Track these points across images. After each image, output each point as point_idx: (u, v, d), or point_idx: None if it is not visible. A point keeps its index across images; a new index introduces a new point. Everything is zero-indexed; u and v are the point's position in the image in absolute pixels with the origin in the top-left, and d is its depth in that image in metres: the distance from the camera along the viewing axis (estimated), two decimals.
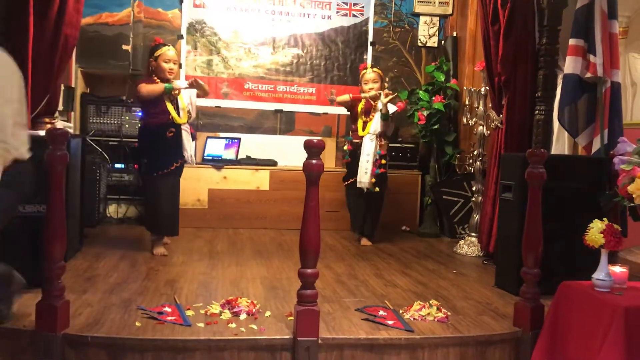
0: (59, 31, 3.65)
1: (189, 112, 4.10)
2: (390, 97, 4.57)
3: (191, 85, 4.01)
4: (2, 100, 1.84)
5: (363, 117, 4.66)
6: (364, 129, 4.63)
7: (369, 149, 4.56)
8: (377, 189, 4.57)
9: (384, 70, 5.97)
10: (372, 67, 4.82)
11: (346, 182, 4.81)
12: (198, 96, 4.17)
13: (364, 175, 4.54)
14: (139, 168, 4.06)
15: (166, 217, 4.02)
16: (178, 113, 4.00)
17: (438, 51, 6.06)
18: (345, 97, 4.76)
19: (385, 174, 4.72)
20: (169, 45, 4.06)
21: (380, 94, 4.58)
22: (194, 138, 4.30)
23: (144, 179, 4.12)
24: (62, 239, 2.39)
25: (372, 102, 4.64)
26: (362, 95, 4.68)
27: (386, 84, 4.87)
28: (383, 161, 4.63)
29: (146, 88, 3.88)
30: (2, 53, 1.70)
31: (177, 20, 5.66)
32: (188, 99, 4.12)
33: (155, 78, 3.98)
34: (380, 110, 4.57)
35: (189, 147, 4.14)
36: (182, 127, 4.06)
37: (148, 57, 4.07)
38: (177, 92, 4.00)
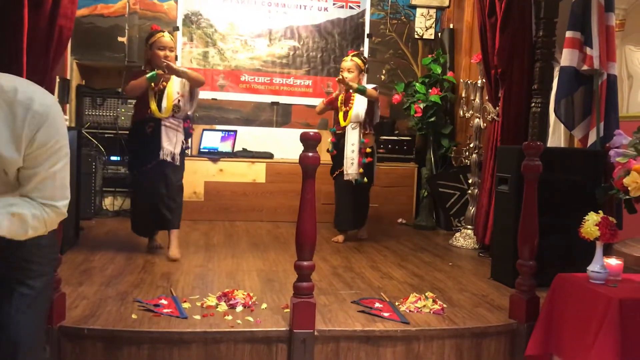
0: (53, 23, 3.62)
1: (176, 105, 3.71)
2: (347, 80, 4.34)
3: (166, 70, 3.64)
4: (66, 157, 1.78)
5: (343, 107, 4.50)
6: (345, 119, 4.48)
7: (352, 139, 4.41)
8: (365, 179, 4.44)
9: (380, 63, 6.02)
10: (358, 55, 4.56)
11: (333, 175, 4.63)
12: (192, 87, 3.80)
13: (351, 167, 4.40)
14: (128, 165, 4.02)
15: (138, 216, 3.88)
16: (160, 106, 3.68)
17: (435, 43, 6.05)
18: (320, 105, 4.65)
19: (372, 165, 4.54)
20: (164, 31, 3.80)
21: (343, 79, 4.36)
22: (188, 134, 3.87)
23: (129, 175, 4.07)
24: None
25: (350, 92, 4.45)
26: (334, 94, 4.57)
27: (363, 74, 4.55)
28: (368, 150, 4.46)
29: (130, 85, 3.69)
30: (55, 102, 1.63)
31: (172, 12, 5.64)
32: (179, 89, 3.74)
33: (148, 71, 3.72)
34: (354, 91, 4.38)
35: (171, 144, 3.70)
36: (164, 122, 3.67)
37: (144, 45, 3.88)
38: (164, 79, 3.69)
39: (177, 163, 3.74)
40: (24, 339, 1.65)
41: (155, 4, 5.61)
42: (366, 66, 4.57)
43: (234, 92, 5.77)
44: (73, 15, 3.84)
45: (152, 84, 3.68)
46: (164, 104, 3.69)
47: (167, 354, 2.40)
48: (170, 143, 3.70)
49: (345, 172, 4.42)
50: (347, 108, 4.45)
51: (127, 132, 4.01)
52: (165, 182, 3.73)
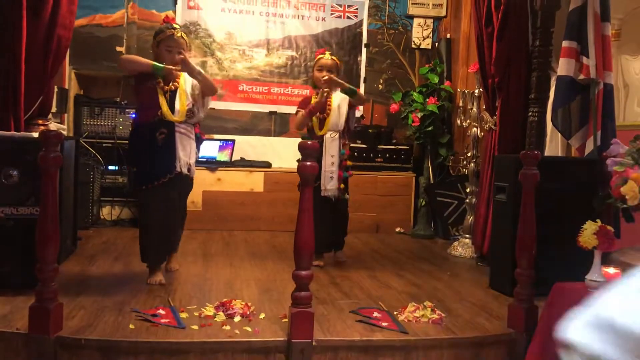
0: (52, 32, 3.64)
1: (190, 110, 3.26)
2: (326, 80, 3.79)
3: (180, 66, 3.20)
4: None
5: (318, 113, 3.88)
6: (321, 127, 3.87)
7: (332, 150, 3.83)
8: (347, 195, 3.99)
9: (378, 72, 6.04)
10: (330, 53, 4.02)
11: None
12: (204, 94, 3.34)
13: (330, 181, 3.81)
14: (129, 179, 3.39)
15: (153, 243, 3.26)
16: (173, 109, 3.19)
17: (432, 53, 6.08)
18: (299, 119, 3.91)
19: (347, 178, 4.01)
20: (175, 29, 3.27)
21: (324, 92, 3.81)
22: (200, 141, 3.46)
23: (134, 191, 3.33)
24: (55, 241, 2.38)
25: (328, 97, 3.88)
26: (314, 100, 3.89)
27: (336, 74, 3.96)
28: (349, 162, 4.00)
29: (129, 57, 3.26)
30: None
31: None
32: (190, 91, 3.29)
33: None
34: (342, 92, 3.85)
35: (186, 154, 3.27)
36: (177, 127, 3.21)
37: (153, 41, 3.37)
38: (174, 79, 3.22)
39: (193, 175, 3.35)
40: None
41: (153, 14, 5.62)
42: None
43: (232, 102, 5.78)
44: (71, 25, 3.87)
45: (160, 80, 3.19)
46: (177, 106, 3.20)
47: None
48: (186, 152, 3.26)
49: (322, 188, 3.80)
50: (324, 115, 3.87)
51: (128, 140, 3.37)
52: (180, 199, 3.38)
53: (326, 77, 3.80)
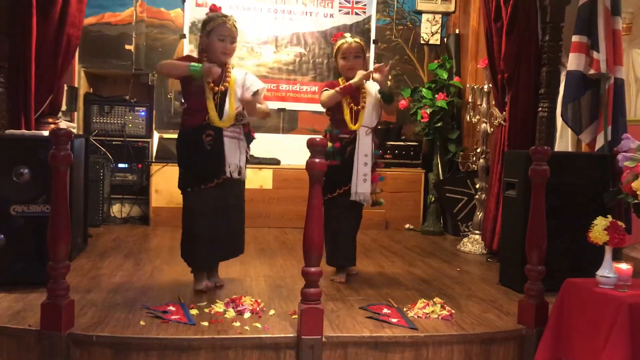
0: (61, 31, 3.67)
1: (240, 113, 3.05)
2: (384, 69, 3.36)
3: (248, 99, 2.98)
4: None
5: (352, 104, 3.38)
6: (354, 121, 3.37)
7: (366, 148, 3.38)
8: (382, 200, 3.60)
9: None
10: (352, 36, 3.48)
11: (332, 195, 3.37)
12: (252, 114, 3.09)
13: (363, 184, 3.35)
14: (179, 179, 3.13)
15: (196, 246, 3.07)
16: (221, 114, 2.98)
17: (441, 49, 6.05)
18: (332, 95, 3.33)
19: None
20: (226, 17, 3.04)
21: (370, 74, 3.38)
22: (250, 140, 3.22)
23: (182, 193, 3.12)
24: (66, 238, 2.39)
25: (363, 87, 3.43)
26: (352, 82, 3.33)
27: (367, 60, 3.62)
28: (382, 164, 3.64)
29: (166, 63, 3.05)
30: None
31: (179, 20, 5.67)
32: (240, 93, 3.04)
33: (205, 59, 3.02)
34: (380, 92, 3.40)
35: (235, 157, 3.09)
36: (225, 131, 3.02)
37: (200, 31, 3.12)
38: (224, 79, 2.97)
39: (244, 178, 3.19)
40: None
41: (162, 12, 5.64)
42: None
43: None
44: (81, 24, 3.89)
45: (212, 83, 2.96)
46: (226, 109, 3.01)
47: None
48: (235, 156, 3.08)
49: (353, 191, 3.35)
50: (359, 107, 3.38)
51: (176, 140, 3.17)
52: (236, 200, 3.20)
53: (385, 68, 3.34)
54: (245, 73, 3.14)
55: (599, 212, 2.59)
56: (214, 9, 3.10)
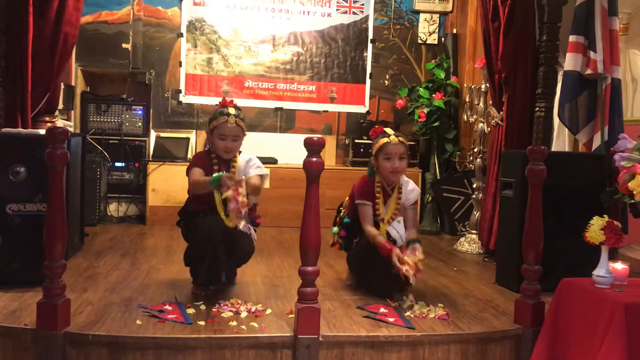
0: (58, 30, 3.66)
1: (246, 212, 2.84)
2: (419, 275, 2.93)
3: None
4: None
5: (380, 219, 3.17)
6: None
7: (398, 234, 3.20)
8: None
9: (384, 68, 6.02)
10: (395, 133, 3.15)
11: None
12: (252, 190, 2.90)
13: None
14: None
15: (204, 264, 2.92)
16: (227, 212, 2.83)
17: (438, 48, 6.05)
18: (369, 234, 3.07)
19: None
20: (229, 114, 3.04)
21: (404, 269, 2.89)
22: (254, 225, 3.15)
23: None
24: (62, 237, 2.39)
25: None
26: (392, 259, 2.91)
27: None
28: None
29: (194, 184, 2.94)
30: None
31: (176, 19, 5.66)
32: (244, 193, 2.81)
33: (213, 154, 3.09)
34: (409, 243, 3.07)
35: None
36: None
37: (207, 127, 3.15)
38: (235, 185, 2.77)
39: (249, 231, 3.04)
40: None
41: (159, 11, 5.63)
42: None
43: (237, 98, 5.75)
44: (77, 23, 3.88)
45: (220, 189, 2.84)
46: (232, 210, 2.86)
47: (172, 359, 2.40)
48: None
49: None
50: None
51: (181, 209, 3.16)
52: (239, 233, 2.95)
53: (410, 272, 2.87)
54: (248, 160, 3.15)
55: (596, 212, 2.59)
56: (223, 103, 3.11)
